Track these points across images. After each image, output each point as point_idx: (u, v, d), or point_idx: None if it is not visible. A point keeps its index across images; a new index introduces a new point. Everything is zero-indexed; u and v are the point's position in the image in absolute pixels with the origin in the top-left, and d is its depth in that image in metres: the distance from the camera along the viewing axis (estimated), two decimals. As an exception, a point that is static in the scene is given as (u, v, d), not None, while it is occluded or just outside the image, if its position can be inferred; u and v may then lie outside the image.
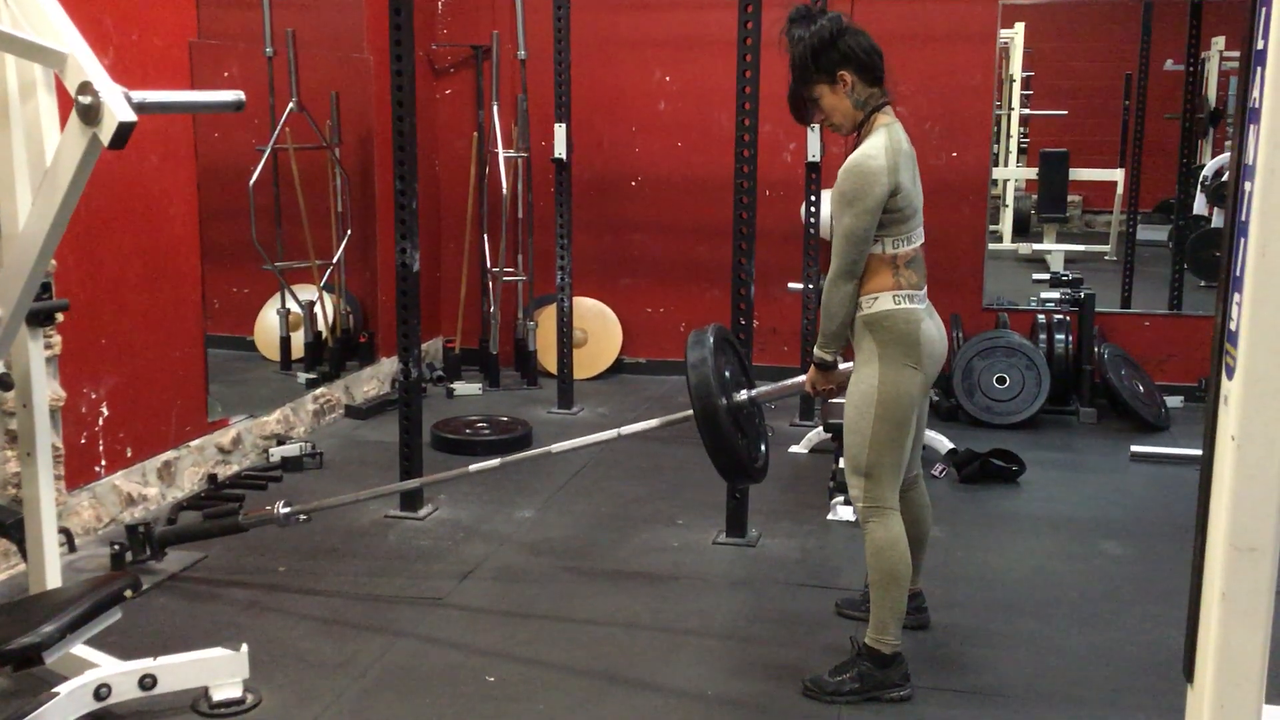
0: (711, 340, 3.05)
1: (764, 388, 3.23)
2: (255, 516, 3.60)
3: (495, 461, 3.58)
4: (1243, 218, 1.50)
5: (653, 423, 3.40)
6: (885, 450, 2.86)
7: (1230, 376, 1.53)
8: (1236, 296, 1.51)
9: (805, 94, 2.94)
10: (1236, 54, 8.56)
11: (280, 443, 4.92)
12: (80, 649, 2.74)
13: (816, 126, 5.39)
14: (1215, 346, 1.59)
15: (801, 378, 3.15)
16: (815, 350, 3.01)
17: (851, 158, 2.84)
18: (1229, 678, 1.58)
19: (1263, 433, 1.50)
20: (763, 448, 3.29)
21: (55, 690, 2.60)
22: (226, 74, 5.16)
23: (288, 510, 3.54)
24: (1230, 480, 1.52)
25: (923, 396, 2.94)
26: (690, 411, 3.03)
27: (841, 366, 3.02)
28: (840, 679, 2.91)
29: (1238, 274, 1.51)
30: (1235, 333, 1.51)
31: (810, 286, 5.55)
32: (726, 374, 3.08)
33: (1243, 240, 1.49)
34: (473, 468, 3.56)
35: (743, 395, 3.14)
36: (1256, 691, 1.58)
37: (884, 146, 2.82)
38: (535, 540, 4.03)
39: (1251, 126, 1.49)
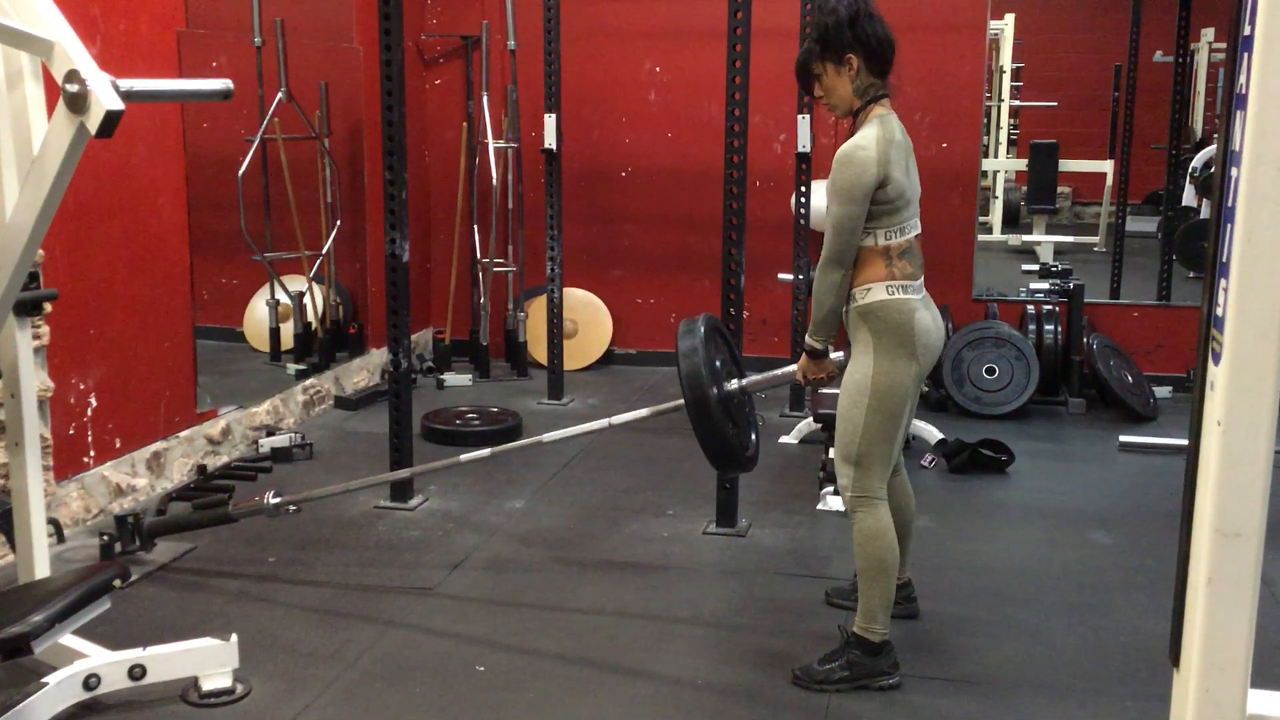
0: (702, 329, 3.05)
1: (755, 377, 3.22)
2: (245, 507, 3.60)
3: (486, 452, 3.59)
4: (1229, 204, 1.50)
5: (643, 412, 3.41)
6: (876, 441, 2.86)
7: (1216, 362, 1.53)
8: (1223, 282, 1.52)
9: (812, 67, 2.94)
10: (1225, 45, 8.62)
11: (270, 434, 4.91)
12: (69, 639, 2.73)
13: (807, 117, 5.41)
14: (1202, 332, 1.59)
15: (792, 367, 3.14)
16: (806, 338, 3.01)
17: (843, 147, 2.84)
18: (1214, 662, 1.59)
19: (1248, 418, 1.50)
20: (753, 437, 3.29)
21: (44, 680, 2.60)
22: (214, 64, 5.14)
23: (277, 500, 3.55)
24: (1216, 465, 1.53)
25: (916, 388, 2.93)
26: (681, 400, 3.03)
27: (833, 356, 3.02)
28: (829, 667, 2.92)
29: (1224, 260, 1.52)
30: (1221, 318, 1.52)
31: (800, 277, 5.56)
32: (717, 363, 3.08)
33: (1229, 226, 1.50)
34: (463, 457, 3.57)
35: (733, 384, 3.14)
36: (1241, 676, 1.59)
37: (875, 137, 2.83)
38: (525, 531, 4.03)
39: (1238, 113, 1.49)
